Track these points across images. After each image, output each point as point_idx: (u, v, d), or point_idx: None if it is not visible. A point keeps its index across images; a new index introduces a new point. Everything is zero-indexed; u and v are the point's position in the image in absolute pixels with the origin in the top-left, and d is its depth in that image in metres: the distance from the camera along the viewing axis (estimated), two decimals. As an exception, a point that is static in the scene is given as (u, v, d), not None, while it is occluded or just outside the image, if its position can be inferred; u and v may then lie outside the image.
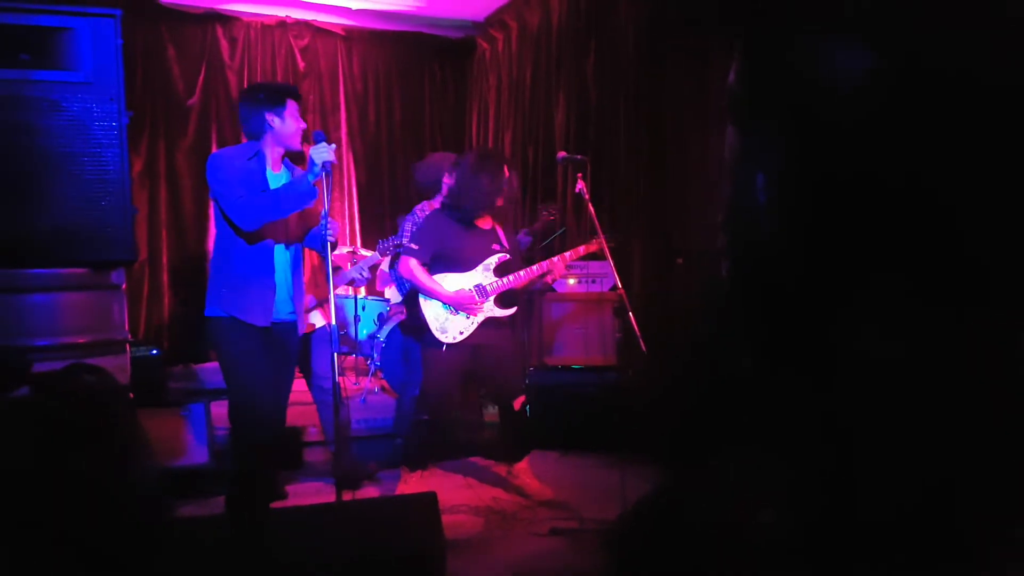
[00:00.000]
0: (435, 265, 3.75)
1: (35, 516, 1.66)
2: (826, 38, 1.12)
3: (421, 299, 3.76)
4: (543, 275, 3.80)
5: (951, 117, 1.11)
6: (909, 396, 1.10)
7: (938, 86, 1.11)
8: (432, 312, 3.73)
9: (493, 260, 3.81)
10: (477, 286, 3.75)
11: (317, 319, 4.14)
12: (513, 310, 3.85)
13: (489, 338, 3.77)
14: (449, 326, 3.72)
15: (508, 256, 3.86)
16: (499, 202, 3.73)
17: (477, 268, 3.78)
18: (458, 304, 3.70)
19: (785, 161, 1.14)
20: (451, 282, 3.73)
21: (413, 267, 3.71)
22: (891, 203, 1.12)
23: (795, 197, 1.14)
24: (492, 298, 3.76)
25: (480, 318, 3.74)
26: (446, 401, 3.83)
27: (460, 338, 3.72)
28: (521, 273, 3.77)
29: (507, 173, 3.74)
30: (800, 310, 1.17)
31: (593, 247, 3.75)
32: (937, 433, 1.11)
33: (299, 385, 4.81)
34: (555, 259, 3.77)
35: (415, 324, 3.92)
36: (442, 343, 3.71)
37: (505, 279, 3.76)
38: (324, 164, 2.92)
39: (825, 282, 1.16)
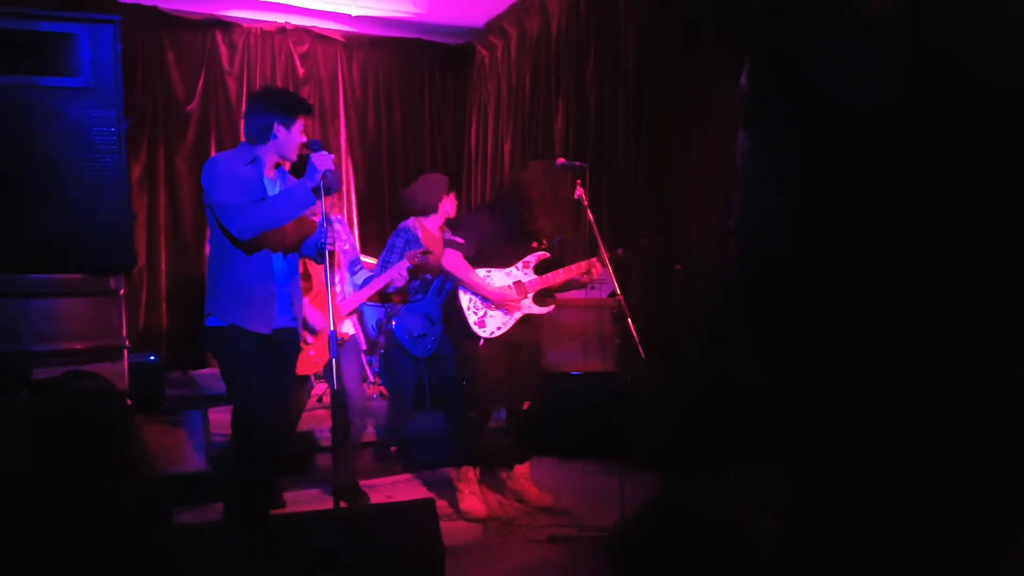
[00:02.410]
0: (476, 260, 3.75)
1: (35, 520, 1.65)
2: (838, 41, 1.12)
3: (460, 292, 3.76)
4: (583, 273, 3.78)
5: (966, 121, 1.11)
6: (916, 403, 1.10)
7: (953, 91, 1.11)
8: (471, 306, 3.73)
9: (533, 258, 3.83)
10: (516, 283, 3.77)
11: (348, 328, 4.08)
12: (550, 308, 3.86)
13: (525, 336, 3.79)
14: (488, 321, 3.73)
15: (548, 255, 3.87)
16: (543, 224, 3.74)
17: (517, 265, 3.80)
18: (499, 302, 3.71)
19: (798, 164, 1.13)
20: (491, 278, 3.75)
21: (459, 262, 3.70)
22: (905, 208, 1.12)
23: (808, 201, 1.14)
24: (531, 296, 3.78)
25: (517, 315, 3.75)
26: (493, 397, 3.80)
27: (497, 333, 3.72)
28: (560, 271, 3.77)
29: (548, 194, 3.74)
30: (811, 316, 1.17)
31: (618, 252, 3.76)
32: (944, 441, 1.10)
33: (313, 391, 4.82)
34: (593, 259, 3.75)
35: (451, 318, 3.90)
36: (479, 337, 3.70)
37: (544, 277, 3.77)
38: (326, 172, 2.92)
39: (838, 288, 1.15)
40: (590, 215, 3.56)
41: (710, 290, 4.19)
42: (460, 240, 3.71)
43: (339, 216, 4.24)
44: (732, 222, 1.19)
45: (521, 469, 3.95)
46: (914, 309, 1.10)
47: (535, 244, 3.85)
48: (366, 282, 4.16)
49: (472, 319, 3.72)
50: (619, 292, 3.46)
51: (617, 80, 5.00)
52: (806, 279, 1.14)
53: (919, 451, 1.09)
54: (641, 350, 3.29)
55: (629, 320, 3.34)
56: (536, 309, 3.80)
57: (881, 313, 1.11)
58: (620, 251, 3.79)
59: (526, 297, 3.76)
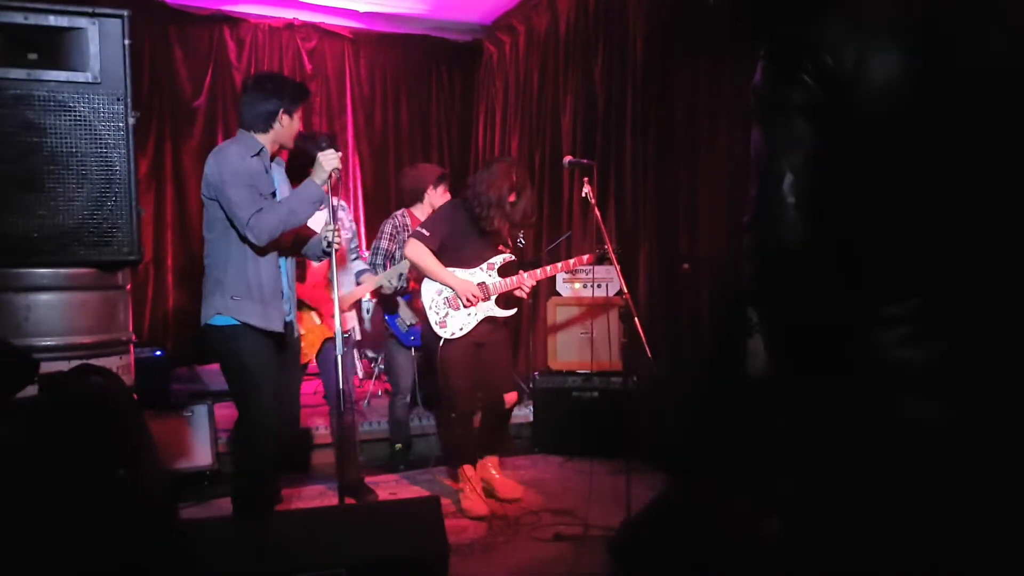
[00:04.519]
0: (440, 256, 3.76)
1: (45, 513, 1.65)
2: (854, 33, 1.11)
3: (423, 292, 3.77)
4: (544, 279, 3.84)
5: (979, 119, 1.10)
6: (926, 400, 1.08)
7: (968, 88, 1.09)
8: (432, 306, 3.75)
9: (498, 260, 3.85)
10: (480, 284, 3.78)
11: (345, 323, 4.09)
12: (513, 311, 3.88)
13: (488, 336, 3.81)
14: (449, 321, 3.74)
15: (514, 257, 3.90)
16: (498, 223, 3.73)
17: (482, 266, 3.81)
18: (462, 292, 3.70)
19: (812, 159, 1.12)
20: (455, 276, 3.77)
21: (421, 251, 3.70)
22: (919, 205, 1.11)
23: (823, 196, 1.12)
24: (493, 298, 3.79)
25: (480, 315, 3.76)
26: (469, 394, 3.83)
27: (460, 334, 3.74)
28: (525, 275, 3.79)
29: (515, 184, 3.75)
30: (825, 311, 1.16)
31: (590, 258, 3.78)
32: (953, 441, 1.09)
33: (306, 388, 4.83)
34: (558, 264, 3.83)
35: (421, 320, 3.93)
36: (440, 338, 3.72)
37: (508, 280, 3.79)
38: (333, 171, 2.93)
39: (852, 283, 1.14)
40: (597, 213, 3.55)
41: (719, 288, 4.18)
42: (426, 232, 3.72)
43: (341, 201, 4.24)
44: (746, 218, 1.18)
45: (491, 460, 3.97)
46: (928, 304, 1.09)
47: (501, 247, 3.87)
48: (359, 274, 4.18)
49: (434, 319, 3.74)
50: (626, 291, 3.44)
51: (626, 77, 4.98)
52: (820, 275, 1.13)
53: (927, 450, 1.08)
54: (648, 349, 3.28)
55: (636, 319, 3.32)
56: (499, 312, 3.81)
57: (894, 308, 1.10)
58: (687, 266, 3.85)
59: (488, 299, 3.77)
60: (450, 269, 3.76)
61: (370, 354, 5.64)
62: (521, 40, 6.52)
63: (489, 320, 3.79)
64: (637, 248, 4.80)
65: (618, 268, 3.54)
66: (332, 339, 3.90)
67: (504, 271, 3.85)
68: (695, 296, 4.36)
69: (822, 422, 1.19)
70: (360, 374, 5.23)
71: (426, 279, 3.78)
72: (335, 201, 4.05)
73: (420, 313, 3.84)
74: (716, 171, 4.20)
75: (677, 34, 4.49)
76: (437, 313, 3.75)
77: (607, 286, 4.87)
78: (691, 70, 4.37)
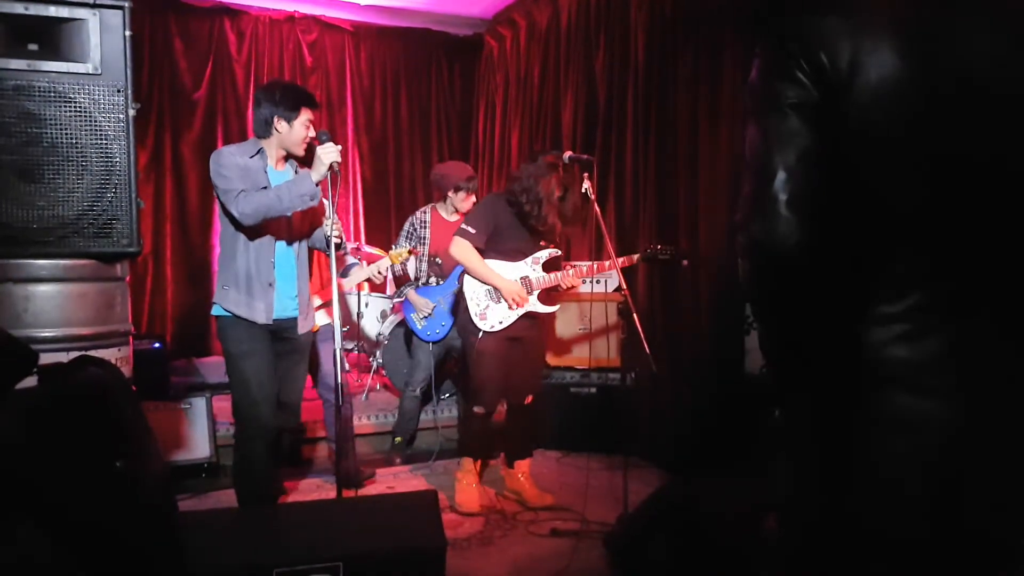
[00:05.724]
0: (485, 250, 3.68)
1: (44, 508, 1.65)
2: (850, 37, 1.10)
3: (465, 283, 3.71)
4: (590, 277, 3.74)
5: (979, 124, 1.10)
6: (929, 405, 1.09)
7: (965, 91, 1.09)
8: (474, 298, 3.69)
9: (543, 255, 3.76)
10: (523, 278, 3.70)
11: (321, 318, 4.11)
12: (555, 308, 3.82)
13: (525, 332, 3.74)
14: (489, 314, 3.67)
15: (560, 252, 3.81)
16: (551, 220, 3.60)
17: (526, 260, 3.72)
18: (508, 294, 3.63)
19: (808, 156, 1.12)
20: (499, 270, 3.68)
21: (467, 249, 3.62)
22: (916, 205, 1.11)
23: (818, 196, 1.12)
24: (535, 293, 3.71)
25: (521, 311, 3.68)
26: (496, 390, 3.77)
27: (499, 327, 3.67)
28: (570, 271, 3.71)
29: (563, 178, 3.60)
30: (820, 309, 1.16)
31: (637, 258, 3.70)
32: (952, 444, 1.09)
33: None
34: (605, 262, 3.73)
35: (459, 309, 3.87)
36: (479, 330, 3.65)
37: (552, 275, 3.70)
38: (332, 165, 2.93)
39: (846, 281, 1.14)
40: (596, 208, 3.53)
41: (718, 287, 4.18)
42: (472, 229, 3.65)
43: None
44: (739, 216, 1.18)
45: (521, 466, 3.93)
46: (925, 303, 1.09)
47: (544, 242, 3.77)
48: (349, 268, 4.19)
49: (475, 311, 3.68)
50: (625, 287, 3.44)
51: (627, 73, 4.97)
52: (814, 272, 1.13)
53: (924, 449, 1.08)
54: (646, 345, 3.28)
55: (635, 315, 3.32)
56: (540, 308, 3.73)
57: (890, 306, 1.10)
58: (686, 262, 3.78)
59: (531, 294, 3.70)
60: (493, 262, 3.66)
61: (348, 345, 5.63)
62: (522, 34, 6.50)
63: (528, 316, 3.71)
64: (636, 245, 4.79)
65: (617, 264, 3.53)
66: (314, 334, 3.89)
67: (548, 266, 3.75)
68: (694, 293, 4.36)
69: (817, 420, 1.19)
70: (347, 367, 5.22)
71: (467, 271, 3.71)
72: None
73: (462, 308, 3.74)
74: (717, 168, 4.19)
75: (679, 30, 4.47)
76: (478, 305, 3.67)
77: (606, 282, 4.86)
78: (693, 66, 4.36)
